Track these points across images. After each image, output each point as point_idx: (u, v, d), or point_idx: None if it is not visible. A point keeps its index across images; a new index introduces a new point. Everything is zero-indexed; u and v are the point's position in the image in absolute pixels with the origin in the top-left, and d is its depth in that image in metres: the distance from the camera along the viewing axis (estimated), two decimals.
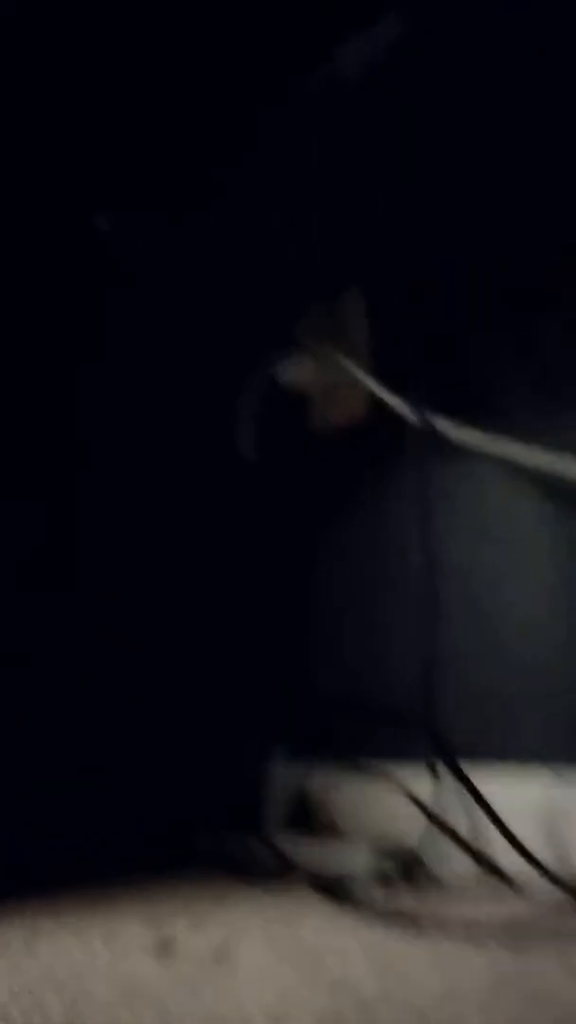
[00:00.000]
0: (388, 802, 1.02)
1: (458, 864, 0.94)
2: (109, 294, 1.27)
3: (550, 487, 0.94)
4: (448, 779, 0.96)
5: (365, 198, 1.11)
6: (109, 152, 1.19)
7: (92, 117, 1.15)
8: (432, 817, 0.95)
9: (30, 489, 1.21)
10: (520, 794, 0.92)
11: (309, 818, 1.08)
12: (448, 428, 0.99)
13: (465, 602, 1.00)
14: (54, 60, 1.07)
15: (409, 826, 0.98)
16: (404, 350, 1.07)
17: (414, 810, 0.98)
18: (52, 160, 1.16)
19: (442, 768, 0.96)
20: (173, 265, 1.23)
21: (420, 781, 0.98)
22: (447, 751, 0.97)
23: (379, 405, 1.05)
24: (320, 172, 1.16)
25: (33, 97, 1.09)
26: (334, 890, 0.90)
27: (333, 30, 1.10)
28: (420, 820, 0.97)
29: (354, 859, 0.97)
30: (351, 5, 1.07)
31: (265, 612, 1.18)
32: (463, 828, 0.95)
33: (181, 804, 1.09)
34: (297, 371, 1.10)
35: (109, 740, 1.15)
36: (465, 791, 0.95)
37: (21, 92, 1.08)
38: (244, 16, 1.07)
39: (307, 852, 1.02)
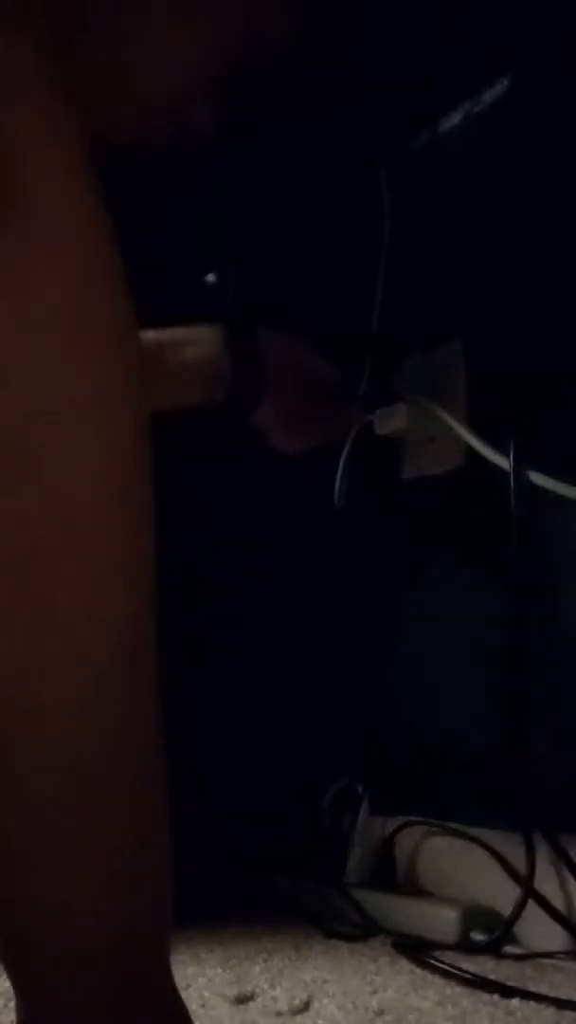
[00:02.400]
0: (478, 866, 0.99)
1: (550, 936, 0.91)
2: None
3: None
4: (543, 847, 0.94)
5: (464, 249, 1.11)
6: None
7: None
8: (525, 886, 0.92)
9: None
10: None
11: (393, 875, 1.06)
12: (544, 481, 0.98)
13: (555, 659, 0.98)
14: None
15: (499, 893, 0.95)
16: (501, 402, 1.07)
17: (505, 877, 0.96)
18: None
19: (536, 835, 0.94)
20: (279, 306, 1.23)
21: (513, 847, 0.96)
22: (541, 818, 0.94)
23: (475, 457, 1.05)
24: (421, 222, 1.16)
25: None
26: (417, 951, 0.88)
27: (445, 98, 1.10)
28: (511, 888, 0.94)
29: (440, 921, 0.94)
30: (465, 73, 1.07)
31: (355, 661, 1.18)
32: (557, 899, 0.92)
33: (263, 850, 1.07)
34: (393, 421, 1.09)
35: (191, 778, 1.14)
36: (560, 861, 0.92)
37: None
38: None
39: (390, 910, 1.00)
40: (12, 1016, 0.56)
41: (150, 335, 0.97)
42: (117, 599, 0.47)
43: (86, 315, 0.43)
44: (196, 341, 1.02)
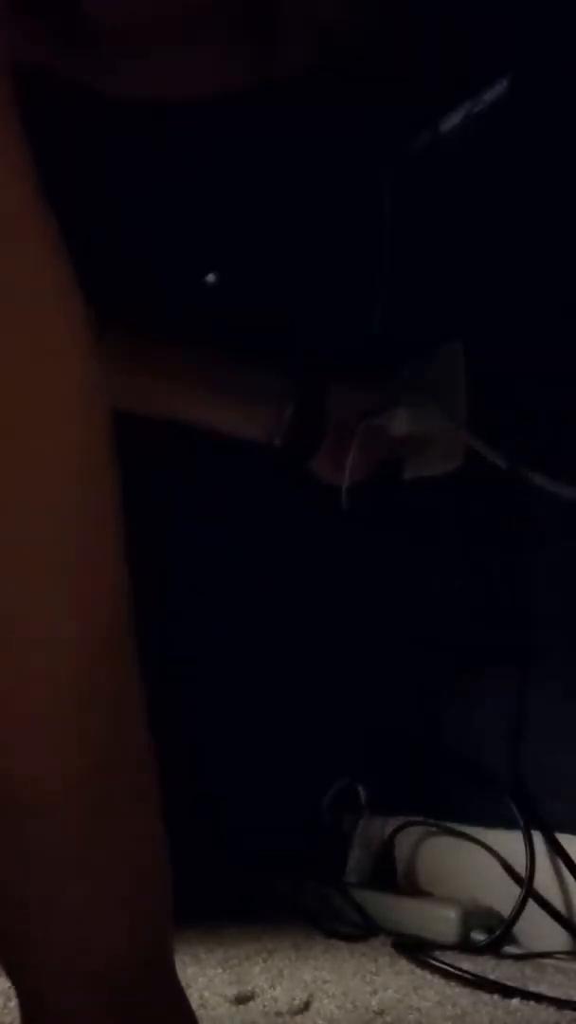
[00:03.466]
0: (478, 866, 0.99)
1: (550, 936, 0.91)
2: None
3: None
4: (541, 847, 0.94)
5: (465, 248, 1.10)
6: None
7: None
8: (525, 886, 0.92)
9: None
10: None
11: (393, 875, 1.06)
12: (545, 482, 0.98)
13: (557, 659, 0.98)
14: None
15: (500, 893, 0.95)
16: (501, 402, 1.06)
17: (505, 877, 0.96)
18: None
19: (536, 835, 0.94)
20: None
21: (512, 848, 0.96)
22: (539, 818, 0.95)
23: (475, 457, 1.05)
24: (422, 222, 1.16)
25: None
26: (417, 951, 0.88)
27: (444, 100, 1.10)
28: (511, 888, 0.94)
29: (440, 922, 0.94)
30: (466, 75, 1.06)
31: (355, 660, 1.18)
32: (557, 899, 0.92)
33: (263, 850, 1.07)
34: (395, 423, 1.09)
35: (191, 778, 1.14)
36: (560, 861, 0.92)
37: None
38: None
39: (390, 910, 1.00)
40: (12, 1016, 0.56)
41: (221, 359, 0.98)
42: (89, 612, 0.46)
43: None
44: (262, 386, 1.03)
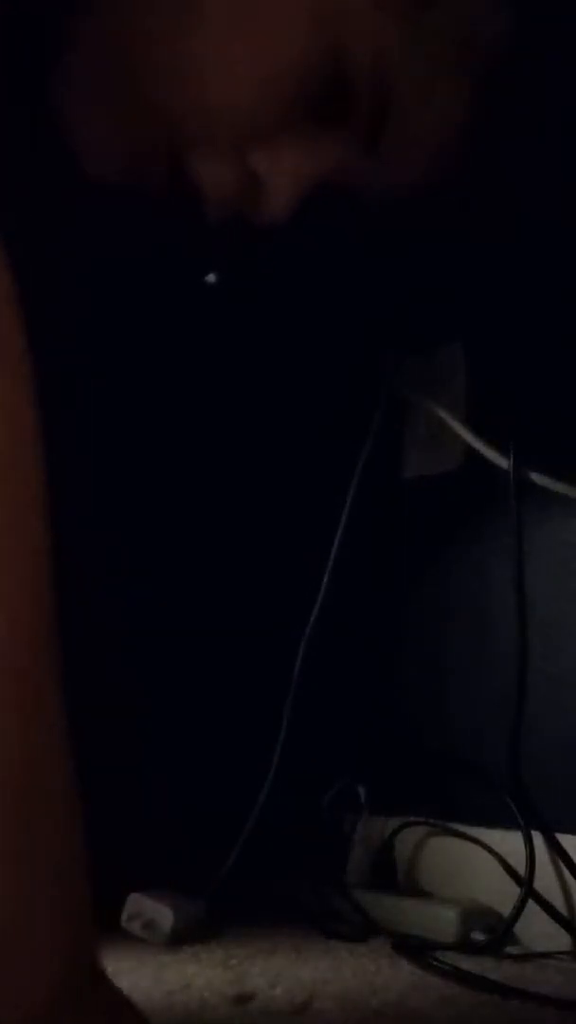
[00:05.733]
0: (478, 867, 0.99)
1: (550, 936, 0.91)
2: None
3: None
4: (541, 847, 0.94)
5: (465, 249, 1.11)
6: None
7: None
8: (525, 886, 0.92)
9: None
10: None
11: (393, 875, 1.06)
12: (545, 481, 0.98)
13: (555, 660, 0.98)
14: None
15: (500, 893, 0.95)
16: (501, 402, 1.07)
17: (505, 877, 0.96)
18: None
19: (535, 835, 0.94)
20: (274, 311, 1.22)
21: (512, 848, 0.96)
22: (539, 818, 0.95)
23: (475, 457, 1.05)
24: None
25: None
26: (417, 951, 0.88)
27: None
28: (511, 888, 0.94)
29: (440, 922, 0.94)
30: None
31: (355, 660, 1.18)
32: (557, 899, 0.92)
33: (261, 849, 1.07)
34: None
35: (191, 778, 1.14)
36: (560, 861, 0.92)
37: None
38: None
39: (390, 910, 1.00)
40: None
41: None
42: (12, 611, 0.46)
43: None
44: None
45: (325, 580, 1.13)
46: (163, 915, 0.94)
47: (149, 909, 0.95)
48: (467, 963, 0.85)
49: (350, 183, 0.71)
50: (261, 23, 0.64)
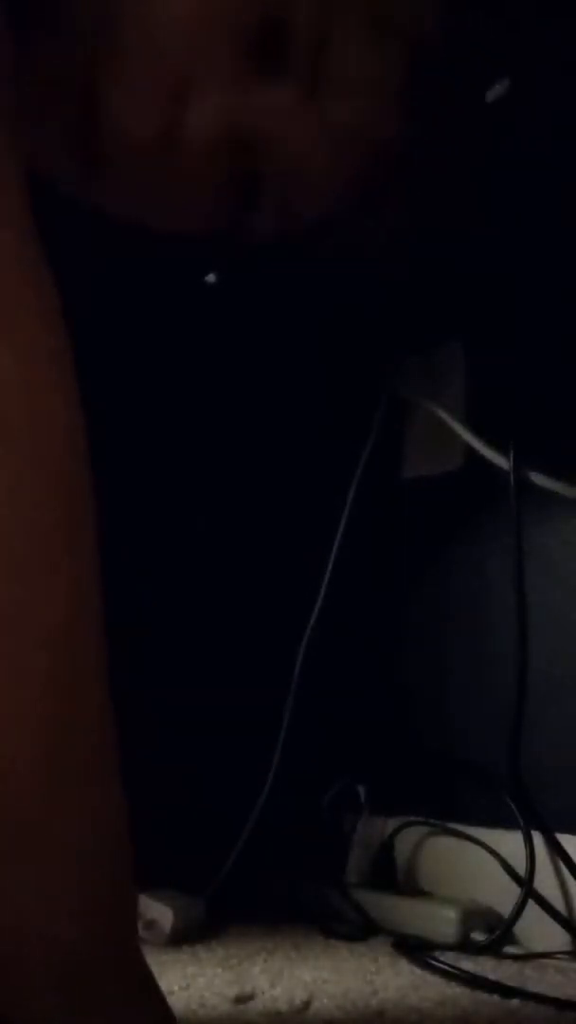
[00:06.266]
0: (478, 866, 0.99)
1: (550, 936, 0.91)
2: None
3: None
4: (541, 847, 0.94)
5: (465, 248, 1.11)
6: None
7: None
8: (525, 886, 0.92)
9: None
10: None
11: (393, 875, 1.06)
12: (545, 481, 0.98)
13: (555, 660, 0.98)
14: None
15: (500, 893, 0.95)
16: (501, 402, 1.07)
17: (505, 877, 0.95)
18: None
19: (535, 835, 0.94)
20: (275, 315, 1.22)
21: (512, 848, 0.96)
22: (539, 818, 0.95)
23: (475, 457, 1.06)
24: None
25: None
26: (417, 951, 0.88)
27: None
28: (511, 888, 0.94)
29: (440, 922, 0.94)
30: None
31: (355, 660, 1.18)
32: (557, 899, 0.92)
33: (261, 849, 1.07)
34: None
35: (191, 778, 1.14)
36: (560, 861, 0.93)
37: None
38: None
39: (390, 910, 1.00)
40: None
41: None
42: (53, 607, 0.48)
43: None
44: None
45: (325, 580, 1.13)
46: (163, 915, 0.94)
47: (149, 909, 0.95)
48: (467, 963, 0.85)
49: (286, 144, 0.66)
50: None
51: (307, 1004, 0.74)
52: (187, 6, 0.60)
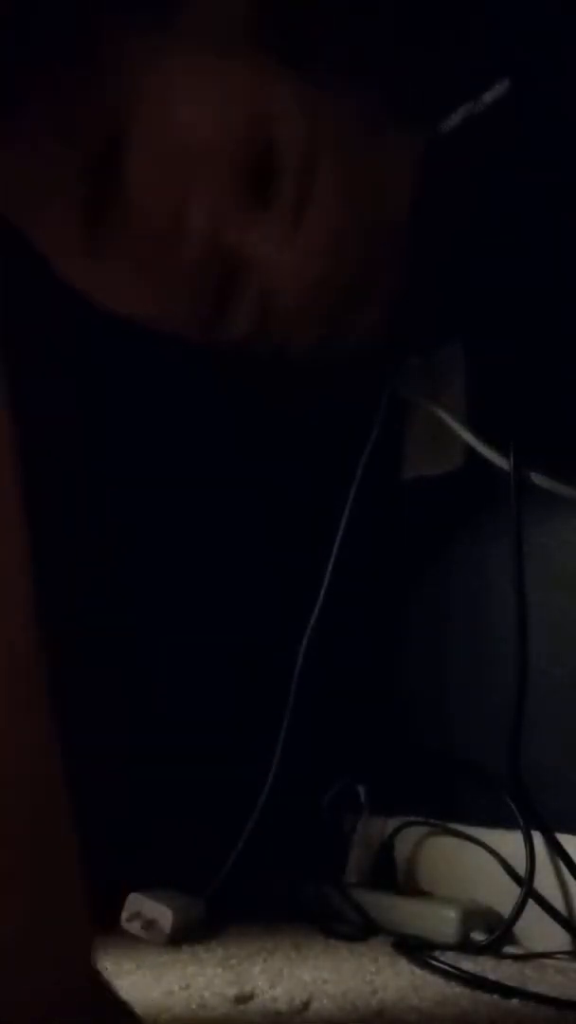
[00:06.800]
0: (478, 866, 0.99)
1: (550, 936, 0.91)
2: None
3: None
4: (541, 847, 0.94)
5: (464, 249, 1.10)
6: None
7: None
8: (525, 886, 0.92)
9: None
10: None
11: (393, 875, 1.06)
12: (545, 481, 0.98)
13: (555, 660, 0.98)
14: None
15: (500, 893, 0.95)
16: (501, 402, 1.07)
17: (505, 877, 0.95)
18: None
19: (535, 835, 0.94)
20: None
21: (512, 848, 0.96)
22: (539, 818, 0.95)
23: (475, 457, 1.05)
24: (418, 223, 1.16)
25: None
26: (417, 951, 0.88)
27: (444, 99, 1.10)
28: (511, 888, 0.94)
29: (440, 922, 0.94)
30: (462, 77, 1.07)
31: (356, 660, 1.18)
32: (557, 899, 0.92)
33: (261, 849, 1.07)
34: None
35: (188, 781, 1.14)
36: (560, 861, 0.93)
37: None
38: None
39: (390, 910, 1.00)
40: None
41: None
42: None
43: None
44: None
45: (325, 580, 1.13)
46: (163, 915, 0.94)
47: (149, 909, 0.95)
48: (467, 963, 0.85)
49: (266, 271, 0.70)
50: (215, 82, 0.65)
51: (307, 1004, 0.74)
52: (197, 123, 0.64)
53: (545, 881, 0.93)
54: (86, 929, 0.51)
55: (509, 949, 0.91)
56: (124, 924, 0.95)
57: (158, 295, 0.68)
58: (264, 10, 0.65)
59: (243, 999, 0.75)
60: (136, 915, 0.95)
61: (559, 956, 0.89)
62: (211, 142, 0.65)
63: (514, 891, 0.93)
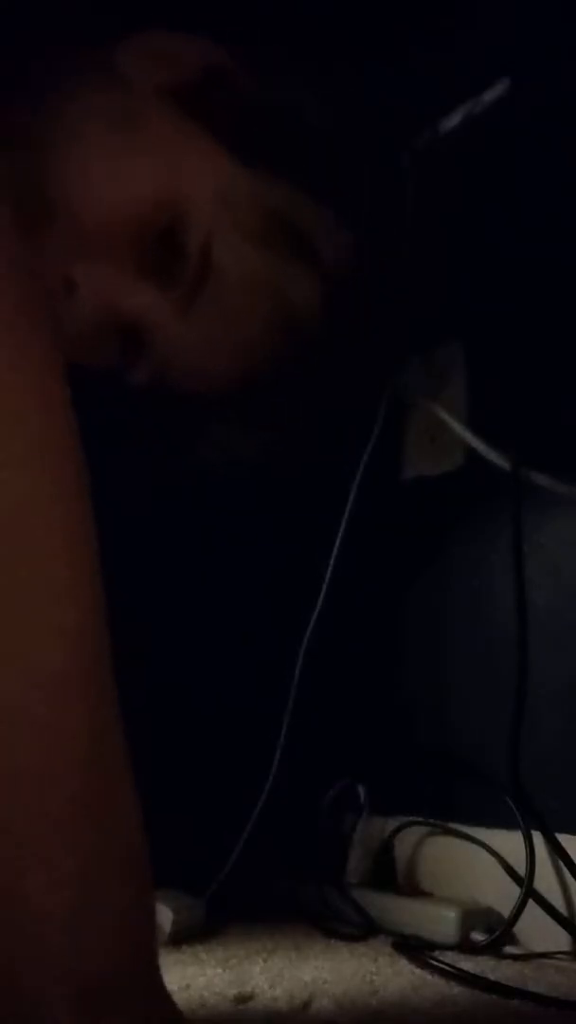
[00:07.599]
0: (478, 867, 0.99)
1: (550, 936, 0.91)
2: None
3: None
4: (541, 847, 0.94)
5: (465, 249, 1.11)
6: None
7: None
8: (525, 886, 0.92)
9: None
10: None
11: (393, 875, 1.06)
12: (545, 481, 0.98)
13: (555, 660, 0.98)
14: None
15: (500, 893, 0.95)
16: (501, 402, 1.07)
17: (505, 877, 0.95)
18: None
19: (535, 835, 0.94)
20: None
21: (512, 848, 0.96)
22: (539, 818, 0.95)
23: (475, 457, 1.05)
24: (418, 224, 1.16)
25: None
26: (417, 951, 0.88)
27: (444, 103, 1.10)
28: (511, 888, 0.94)
29: (440, 922, 0.94)
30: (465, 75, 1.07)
31: (356, 660, 1.18)
32: (557, 899, 0.92)
33: (262, 849, 1.07)
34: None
35: (188, 781, 1.14)
36: (560, 861, 0.92)
37: None
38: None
39: (390, 910, 1.00)
40: None
41: None
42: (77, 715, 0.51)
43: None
44: None
45: (325, 580, 1.13)
46: (163, 915, 0.94)
47: None
48: (467, 963, 0.85)
49: (156, 343, 0.78)
50: (125, 163, 0.73)
51: (307, 1004, 0.74)
52: (104, 203, 0.73)
53: (545, 881, 0.93)
54: (147, 908, 0.53)
55: (509, 949, 0.91)
56: None
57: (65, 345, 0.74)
58: (186, 93, 0.75)
59: (243, 999, 0.75)
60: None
61: (559, 956, 0.89)
62: (113, 218, 0.72)
63: (514, 891, 0.93)
